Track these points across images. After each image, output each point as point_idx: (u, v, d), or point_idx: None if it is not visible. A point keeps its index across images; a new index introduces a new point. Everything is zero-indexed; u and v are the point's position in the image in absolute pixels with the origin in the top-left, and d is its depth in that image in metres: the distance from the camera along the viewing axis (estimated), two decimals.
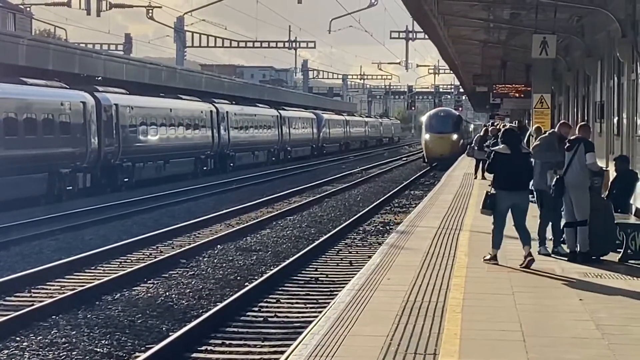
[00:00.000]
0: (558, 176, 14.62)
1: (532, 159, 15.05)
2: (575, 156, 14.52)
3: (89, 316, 13.97)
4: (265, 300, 15.45)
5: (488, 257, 14.48)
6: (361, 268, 14.80)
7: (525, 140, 25.41)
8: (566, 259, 14.80)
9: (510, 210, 14.38)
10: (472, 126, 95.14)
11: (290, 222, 27.20)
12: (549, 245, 15.39)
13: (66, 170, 34.02)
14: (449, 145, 59.34)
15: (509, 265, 14.19)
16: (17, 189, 30.53)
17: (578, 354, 8.98)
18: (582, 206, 14.57)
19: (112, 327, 13.23)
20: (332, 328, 9.99)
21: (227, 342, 12.60)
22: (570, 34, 29.75)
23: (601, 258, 14.65)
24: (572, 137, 14.97)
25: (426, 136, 60.23)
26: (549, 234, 15.51)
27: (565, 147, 14.74)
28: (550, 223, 15.44)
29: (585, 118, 29.90)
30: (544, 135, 15.94)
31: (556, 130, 15.83)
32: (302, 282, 17.39)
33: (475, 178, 35.02)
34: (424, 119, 66.15)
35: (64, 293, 15.78)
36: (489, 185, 14.63)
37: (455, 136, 60.74)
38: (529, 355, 8.88)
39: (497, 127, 37.24)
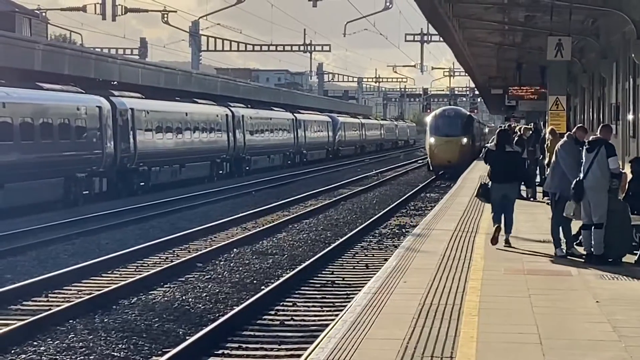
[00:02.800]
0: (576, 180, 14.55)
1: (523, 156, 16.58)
2: (595, 159, 14.45)
3: (105, 320, 14.02)
4: (281, 303, 15.47)
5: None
6: (377, 271, 14.81)
7: (540, 143, 25.43)
8: (582, 260, 14.80)
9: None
10: (487, 128, 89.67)
11: (306, 226, 27.22)
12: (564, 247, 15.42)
13: (82, 175, 34.10)
14: (458, 150, 49.76)
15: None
16: (34, 194, 30.61)
17: (595, 357, 8.96)
18: (600, 209, 14.51)
19: (129, 331, 13.28)
20: (349, 331, 10.00)
21: (244, 345, 12.62)
22: (585, 35, 29.66)
23: (617, 260, 14.63)
24: (592, 138, 14.89)
25: (431, 140, 50.52)
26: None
27: (586, 147, 14.69)
28: (560, 225, 15.42)
29: (601, 120, 29.80)
30: (563, 142, 15.65)
31: (572, 133, 15.80)
32: (319, 285, 17.41)
33: None
34: (428, 119, 55.75)
35: (80, 297, 15.83)
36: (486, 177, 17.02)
37: (465, 139, 50.83)
38: (545, 358, 8.87)
39: (514, 128, 37.18)
